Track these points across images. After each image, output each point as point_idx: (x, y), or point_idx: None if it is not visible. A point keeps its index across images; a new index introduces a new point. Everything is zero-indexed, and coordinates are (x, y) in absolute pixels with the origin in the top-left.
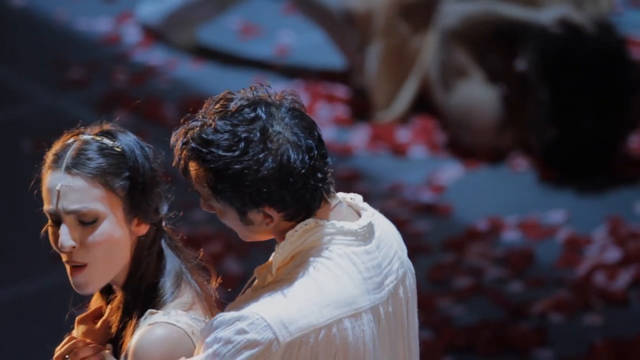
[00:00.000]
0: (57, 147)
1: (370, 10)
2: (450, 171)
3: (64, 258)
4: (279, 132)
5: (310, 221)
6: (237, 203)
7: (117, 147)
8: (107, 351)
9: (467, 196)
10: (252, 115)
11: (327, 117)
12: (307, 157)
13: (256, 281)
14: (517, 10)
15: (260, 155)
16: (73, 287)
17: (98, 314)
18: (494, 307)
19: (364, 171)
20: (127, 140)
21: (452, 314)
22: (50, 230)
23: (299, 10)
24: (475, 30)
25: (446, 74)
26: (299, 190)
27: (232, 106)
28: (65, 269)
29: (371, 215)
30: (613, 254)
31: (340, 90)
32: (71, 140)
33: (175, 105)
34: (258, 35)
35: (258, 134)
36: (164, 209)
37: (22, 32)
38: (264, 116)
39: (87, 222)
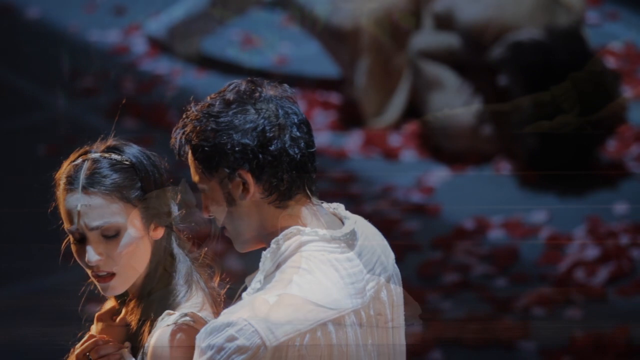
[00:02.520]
0: (66, 168)
1: (358, 27)
2: (439, 174)
3: (90, 271)
4: (262, 99)
5: (293, 229)
6: (216, 164)
7: (126, 160)
8: (126, 349)
9: (454, 197)
10: (242, 87)
11: (322, 123)
12: (287, 123)
13: (247, 289)
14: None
15: (239, 112)
16: (100, 290)
17: (115, 310)
18: (480, 302)
19: (357, 174)
20: (133, 152)
21: (440, 308)
22: (74, 247)
23: (296, 23)
24: (445, 53)
25: (420, 87)
26: (276, 157)
27: (227, 84)
28: (75, 268)
29: (353, 223)
30: (592, 252)
31: (335, 98)
32: (79, 160)
33: (180, 112)
34: (258, 46)
35: (240, 95)
36: (175, 209)
37: (36, 43)
38: (251, 87)
39: (110, 235)
